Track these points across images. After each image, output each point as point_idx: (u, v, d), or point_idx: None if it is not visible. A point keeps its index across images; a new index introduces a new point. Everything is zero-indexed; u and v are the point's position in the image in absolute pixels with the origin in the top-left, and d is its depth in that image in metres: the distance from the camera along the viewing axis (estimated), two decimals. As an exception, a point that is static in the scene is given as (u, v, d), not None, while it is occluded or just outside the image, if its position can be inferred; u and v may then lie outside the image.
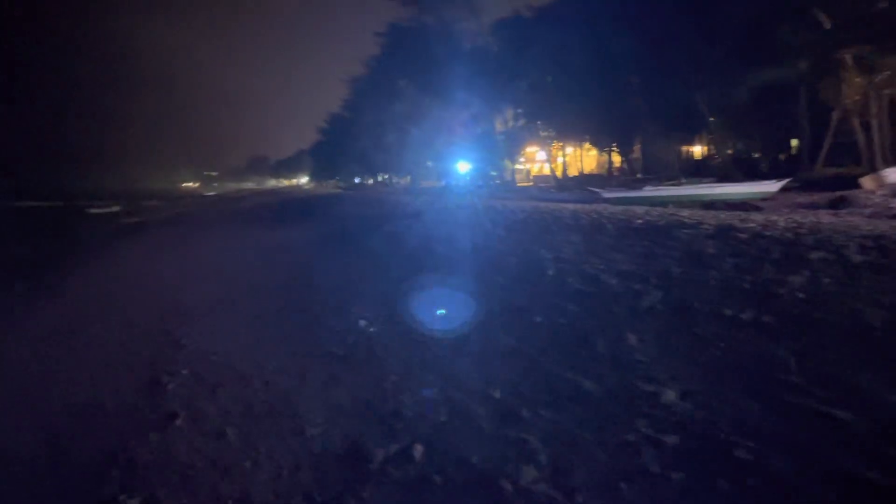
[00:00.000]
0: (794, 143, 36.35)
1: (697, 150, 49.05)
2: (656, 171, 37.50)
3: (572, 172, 52.08)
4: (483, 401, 3.81)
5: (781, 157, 37.99)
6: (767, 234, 7.69)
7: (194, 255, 14.47)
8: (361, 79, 66.68)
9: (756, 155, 36.40)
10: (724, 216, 10.99)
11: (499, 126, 54.86)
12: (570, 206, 17.48)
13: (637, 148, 44.55)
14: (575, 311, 5.32)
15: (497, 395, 3.88)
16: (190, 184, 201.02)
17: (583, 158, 55.00)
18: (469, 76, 47.51)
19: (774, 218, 10.46)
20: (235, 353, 5.63)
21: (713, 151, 41.05)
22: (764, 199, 20.50)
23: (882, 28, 18.61)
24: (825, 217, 12.06)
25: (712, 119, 28.68)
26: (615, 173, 46.51)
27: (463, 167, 64.90)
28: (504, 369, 4.32)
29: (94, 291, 10.49)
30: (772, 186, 21.68)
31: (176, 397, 4.71)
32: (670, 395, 3.48)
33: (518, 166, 61.83)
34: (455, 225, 12.96)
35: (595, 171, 53.10)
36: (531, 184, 52.51)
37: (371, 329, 5.87)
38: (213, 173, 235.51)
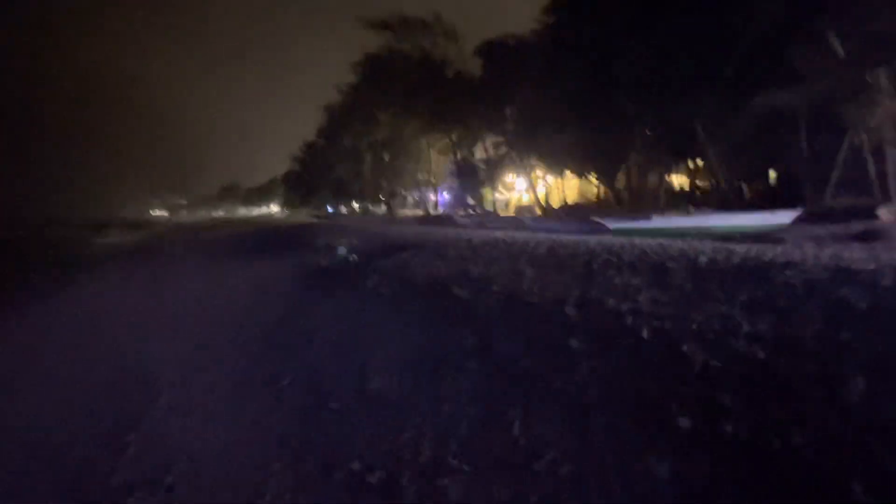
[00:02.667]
0: (773, 174, 35.51)
1: (677, 180, 48.31)
2: (642, 201, 36.32)
3: (554, 202, 50.78)
4: None
5: (760, 187, 37.14)
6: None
7: (161, 296, 12.30)
8: (337, 106, 65.13)
9: (739, 184, 35.41)
10: (808, 252, 9.31)
11: (479, 154, 53.61)
12: (579, 238, 15.80)
13: (622, 177, 43.47)
14: (745, 412, 3.43)
15: None
16: (159, 212, 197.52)
17: (564, 188, 53.75)
18: (448, 103, 46.32)
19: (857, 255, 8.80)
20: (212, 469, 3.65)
21: (697, 181, 40.14)
22: (769, 232, 19.14)
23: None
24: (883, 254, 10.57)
25: (710, 147, 27.39)
26: (600, 204, 45.34)
27: (437, 196, 63.50)
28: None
29: (28, 351, 8.34)
30: (783, 218, 20.36)
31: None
32: None
33: (498, 195, 60.49)
34: (463, 260, 11.05)
35: (578, 202, 51.87)
36: (514, 214, 51.07)
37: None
38: (183, 201, 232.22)
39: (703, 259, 8.08)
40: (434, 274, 9.77)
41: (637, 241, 12.97)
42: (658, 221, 20.42)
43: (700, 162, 38.00)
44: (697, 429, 3.33)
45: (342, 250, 15.10)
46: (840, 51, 20.39)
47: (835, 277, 6.15)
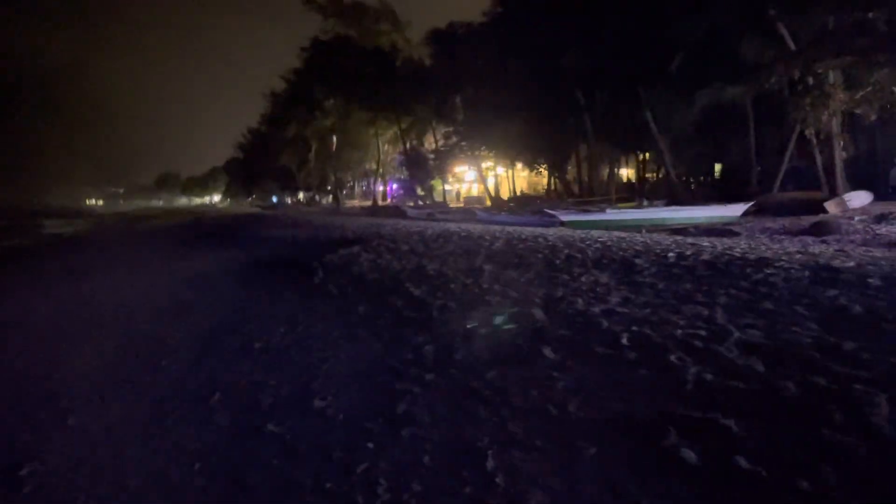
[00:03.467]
0: (718, 167, 36.12)
1: (626, 173, 48.79)
2: (594, 193, 36.41)
3: (504, 194, 50.61)
4: None
5: (706, 180, 37.78)
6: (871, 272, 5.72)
7: (88, 293, 11.18)
8: (282, 92, 63.26)
9: (685, 178, 35.89)
10: (772, 246, 9.08)
11: (429, 144, 52.87)
12: (534, 230, 15.40)
13: (572, 169, 43.55)
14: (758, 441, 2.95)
15: None
16: (94, 201, 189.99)
17: (514, 179, 53.62)
18: (398, 91, 45.42)
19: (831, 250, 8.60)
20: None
21: (645, 174, 40.50)
22: (723, 224, 19.23)
23: (869, 41, 17.66)
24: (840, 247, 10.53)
25: (661, 139, 27.43)
26: (550, 195, 45.35)
27: (386, 187, 62.49)
28: None
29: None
30: (734, 210, 20.49)
31: None
32: None
33: (447, 187, 59.96)
34: (417, 255, 10.45)
35: (527, 193, 51.81)
36: (462, 205, 50.60)
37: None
38: (120, 190, 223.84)
39: (670, 256, 7.69)
40: (387, 271, 9.13)
41: (596, 234, 12.64)
42: (612, 214, 20.21)
43: (647, 155, 38.42)
44: (705, 463, 2.82)
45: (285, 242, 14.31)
46: (791, 44, 20.56)
47: (820, 276, 5.82)
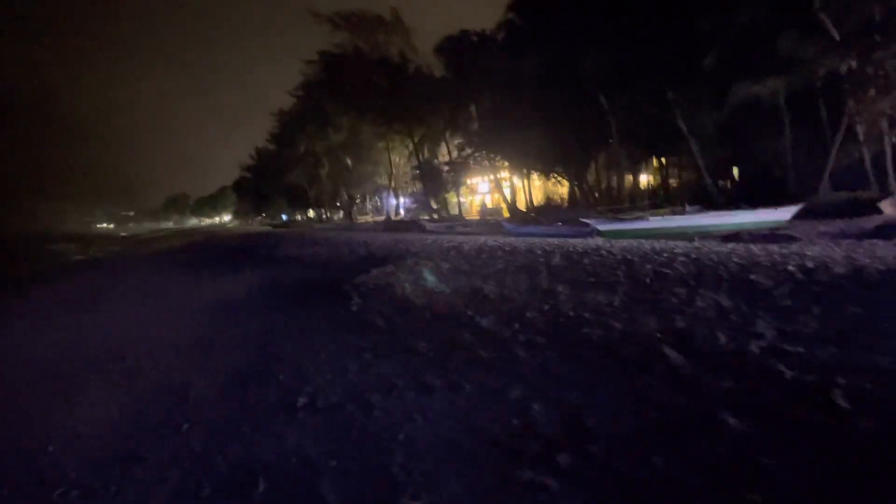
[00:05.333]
0: (735, 170, 34.49)
1: (642, 179, 47.34)
2: (617, 201, 35.00)
3: (519, 204, 49.18)
4: None
5: (726, 183, 36.18)
6: None
7: (91, 327, 9.90)
8: (291, 109, 62.38)
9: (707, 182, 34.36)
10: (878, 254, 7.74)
11: (443, 156, 51.70)
12: (574, 241, 14.12)
13: (590, 177, 42.13)
14: None
15: None
16: (105, 224, 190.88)
17: (530, 188, 52.23)
18: (410, 102, 44.34)
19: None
20: None
21: (668, 178, 39.04)
22: (774, 229, 17.82)
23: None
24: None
25: (692, 141, 26.04)
26: (567, 203, 43.97)
27: (399, 201, 61.32)
28: None
29: None
30: (782, 214, 19.06)
31: None
32: None
33: (462, 199, 58.71)
34: (464, 274, 9.17)
35: (545, 203, 50.38)
36: (478, 217, 49.32)
37: None
38: (130, 213, 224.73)
39: (791, 268, 6.36)
40: (436, 295, 7.84)
41: (658, 245, 11.31)
42: (655, 222, 18.82)
43: (664, 160, 37.00)
44: None
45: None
46: (835, 34, 19.20)
47: None
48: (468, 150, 47.30)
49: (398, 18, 48.88)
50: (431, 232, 28.82)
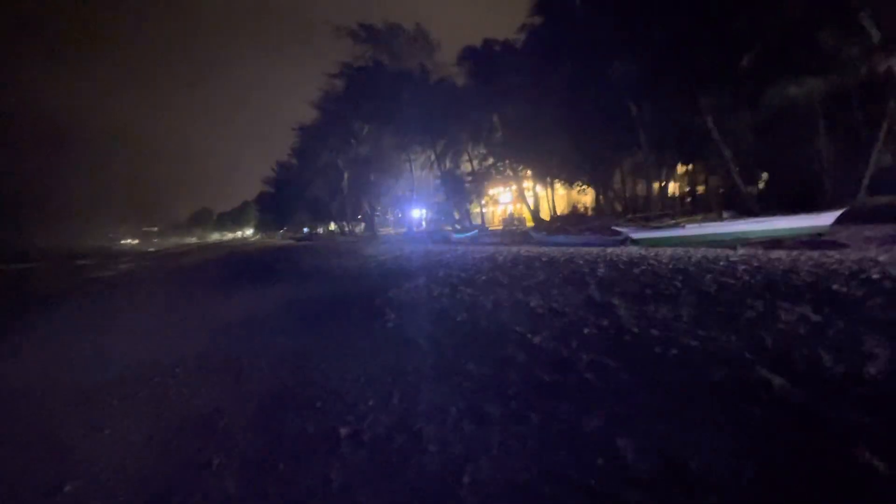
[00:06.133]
0: (765, 175, 33.43)
1: (670, 186, 46.42)
2: (647, 208, 34.22)
3: (543, 214, 48.52)
4: None
5: (754, 189, 35.14)
6: None
7: (121, 346, 9.50)
8: (313, 123, 62.42)
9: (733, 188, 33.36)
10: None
11: (465, 166, 51.28)
12: (609, 250, 13.53)
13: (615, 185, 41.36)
14: None
15: None
16: (129, 240, 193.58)
17: (553, 198, 51.57)
18: (432, 113, 43.95)
19: None
20: None
21: (695, 185, 38.18)
22: (819, 235, 17.02)
23: None
24: None
25: (724, 146, 25.24)
26: (592, 212, 43.27)
27: (421, 212, 60.93)
28: None
29: None
30: (825, 220, 18.22)
31: None
32: None
33: (483, 209, 58.24)
34: (503, 287, 8.63)
35: (568, 212, 49.68)
36: (501, 227, 48.76)
37: None
38: (154, 228, 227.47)
39: (874, 276, 5.74)
40: (477, 310, 7.31)
41: (716, 253, 10.68)
42: (692, 229, 18.09)
43: (691, 166, 36.17)
44: None
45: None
46: (875, 35, 18.46)
47: None
48: (491, 160, 46.84)
49: (423, 32, 48.70)
50: (457, 243, 28.31)
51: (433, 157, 50.65)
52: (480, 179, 48.79)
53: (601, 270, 8.67)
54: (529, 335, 5.67)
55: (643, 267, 8.42)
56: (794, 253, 10.29)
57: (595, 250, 13.74)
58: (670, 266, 8.22)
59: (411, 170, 55.57)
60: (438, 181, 51.35)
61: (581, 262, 9.92)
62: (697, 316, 5.37)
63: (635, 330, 5.22)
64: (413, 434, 4.00)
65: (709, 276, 6.97)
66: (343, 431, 4.29)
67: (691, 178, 38.56)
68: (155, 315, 12.64)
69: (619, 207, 38.36)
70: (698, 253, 10.49)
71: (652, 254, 10.96)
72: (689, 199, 37.73)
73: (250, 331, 8.78)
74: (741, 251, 11.57)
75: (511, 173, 45.33)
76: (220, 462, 4.15)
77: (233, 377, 6.28)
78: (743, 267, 7.42)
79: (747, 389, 3.57)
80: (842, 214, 19.02)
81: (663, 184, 37.92)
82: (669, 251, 11.92)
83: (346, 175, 59.83)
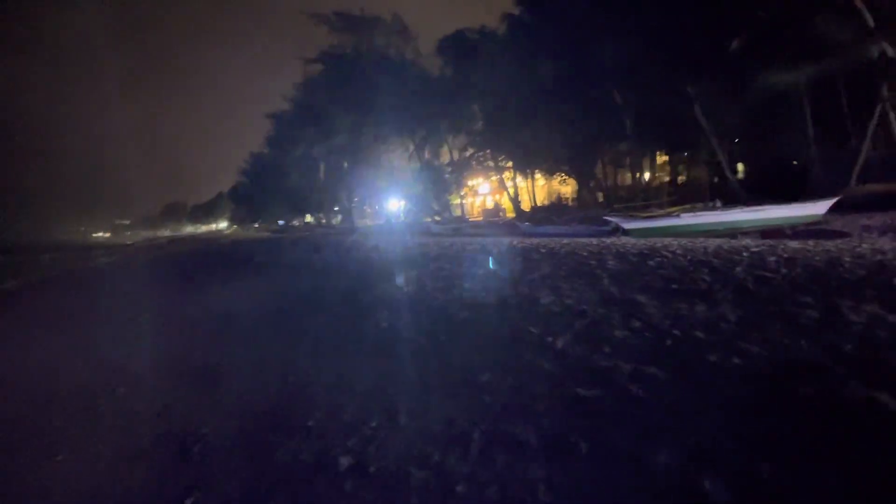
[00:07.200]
0: (740, 166, 33.08)
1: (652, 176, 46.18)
2: (619, 199, 33.85)
3: (524, 205, 47.98)
4: None
5: (726, 180, 34.86)
6: None
7: (86, 347, 8.58)
8: (287, 113, 61.00)
9: (716, 179, 32.99)
10: None
11: (444, 157, 50.50)
12: (616, 242, 12.94)
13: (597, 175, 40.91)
14: None
15: None
16: (102, 234, 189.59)
17: (534, 189, 51.02)
18: (410, 103, 43.04)
19: None
20: None
21: (677, 174, 37.89)
22: (815, 223, 16.67)
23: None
24: None
25: (712, 135, 24.82)
26: (575, 203, 42.88)
27: (399, 204, 59.95)
28: None
29: None
30: (819, 208, 17.84)
31: None
32: None
33: (461, 200, 57.55)
34: (501, 280, 7.95)
35: (549, 203, 49.26)
36: (481, 218, 48.13)
37: None
38: (126, 221, 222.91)
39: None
40: (482, 309, 6.59)
41: (735, 244, 10.11)
42: (687, 219, 17.59)
43: (673, 156, 35.89)
44: None
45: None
46: (870, 20, 18.07)
47: None
48: (471, 150, 46.14)
49: (401, 23, 47.66)
50: (439, 234, 27.57)
51: (412, 147, 49.77)
52: (460, 170, 48.07)
53: (611, 263, 8.02)
54: (549, 338, 4.97)
55: (658, 259, 7.79)
56: (811, 243, 9.75)
57: (594, 241, 13.14)
58: (688, 258, 7.59)
59: (390, 160, 54.63)
60: (417, 172, 50.46)
61: (585, 253, 9.27)
62: (746, 316, 4.71)
63: (676, 332, 4.55)
64: (432, 465, 3.27)
65: (738, 268, 6.35)
66: (344, 462, 3.53)
67: (673, 168, 38.28)
68: (129, 310, 11.72)
69: (601, 198, 38.00)
70: (711, 243, 9.91)
71: (660, 244, 10.35)
72: (671, 189, 37.45)
73: (228, 331, 7.96)
74: (745, 242, 11.04)
75: (492, 164, 44.68)
76: (196, 501, 3.39)
77: (210, 387, 5.48)
78: (772, 258, 6.81)
79: (849, 410, 2.91)
80: (837, 203, 18.70)
81: (646, 173, 37.61)
82: (678, 242, 11.33)
83: (322, 166, 58.62)
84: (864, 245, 8.95)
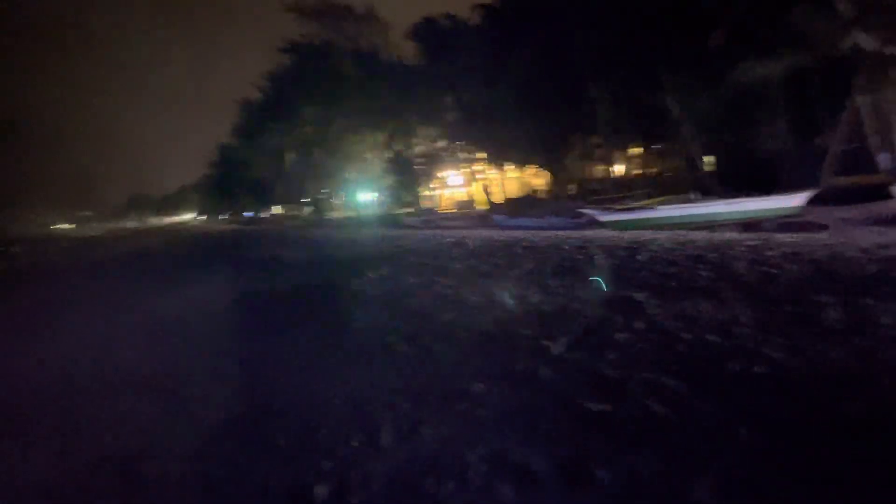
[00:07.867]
0: (708, 159, 33.09)
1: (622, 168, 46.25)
2: (591, 191, 33.78)
3: (495, 196, 47.61)
4: None
5: (700, 173, 34.93)
6: None
7: (30, 354, 7.85)
8: (256, 103, 59.72)
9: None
10: None
11: (416, 148, 49.87)
12: (593, 234, 12.61)
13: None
14: None
15: None
16: (64, 225, 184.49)
17: (504, 181, 50.69)
18: (382, 94, 42.34)
19: None
20: None
21: (642, 168, 37.94)
22: (789, 216, 16.62)
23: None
24: None
25: (685, 126, 24.70)
26: (547, 194, 42.65)
27: (370, 195, 59.12)
28: None
29: None
30: (795, 201, 17.77)
31: None
32: None
33: (431, 192, 57.01)
34: (484, 276, 7.51)
35: (522, 194, 48.95)
36: (455, 210, 47.67)
37: None
38: (88, 213, 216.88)
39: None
40: (464, 305, 6.14)
41: (722, 237, 9.83)
42: (665, 211, 17.35)
43: (644, 148, 35.85)
44: None
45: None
46: (849, 10, 17.97)
47: None
48: (442, 142, 45.60)
49: (372, 11, 46.82)
50: (411, 227, 27.06)
51: (383, 138, 49.02)
52: (431, 162, 47.48)
53: (598, 258, 7.63)
54: (545, 342, 4.53)
55: (647, 254, 7.42)
56: (798, 236, 9.52)
57: (574, 234, 12.78)
58: (679, 252, 7.23)
59: (360, 151, 53.69)
60: (388, 163, 49.74)
61: (567, 247, 8.89)
62: (759, 317, 4.33)
63: (686, 336, 4.14)
64: (426, 499, 2.79)
65: (739, 263, 5.99)
66: (320, 491, 3.03)
67: (644, 160, 38.30)
68: (84, 311, 10.99)
69: (572, 190, 37.85)
70: (698, 236, 9.63)
71: (645, 238, 10.03)
72: (646, 181, 37.43)
73: (189, 334, 7.36)
74: (728, 236, 10.79)
75: (464, 155, 44.19)
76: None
77: (166, 400, 4.91)
78: (770, 252, 6.48)
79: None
80: (817, 195, 18.66)
81: (620, 166, 37.57)
82: (664, 234, 11.04)
83: (290, 156, 57.47)
84: (868, 238, 8.72)
